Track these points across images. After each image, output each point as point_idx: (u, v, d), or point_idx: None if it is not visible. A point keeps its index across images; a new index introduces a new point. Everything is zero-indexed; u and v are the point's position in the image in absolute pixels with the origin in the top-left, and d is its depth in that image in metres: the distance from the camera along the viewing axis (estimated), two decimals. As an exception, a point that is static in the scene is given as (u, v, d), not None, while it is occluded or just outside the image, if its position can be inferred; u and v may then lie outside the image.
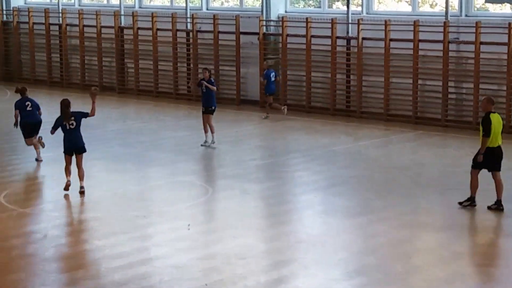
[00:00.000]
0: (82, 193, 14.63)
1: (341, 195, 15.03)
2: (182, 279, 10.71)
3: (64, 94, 27.87)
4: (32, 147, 17.51)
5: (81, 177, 14.74)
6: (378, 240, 12.36)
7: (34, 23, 30.40)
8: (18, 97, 17.84)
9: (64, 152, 14.92)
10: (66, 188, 14.74)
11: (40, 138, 17.50)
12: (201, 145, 19.24)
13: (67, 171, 14.80)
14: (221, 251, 11.85)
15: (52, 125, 15.09)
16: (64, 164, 14.93)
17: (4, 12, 31.52)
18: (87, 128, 21.35)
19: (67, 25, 29.63)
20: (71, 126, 14.83)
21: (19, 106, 17.48)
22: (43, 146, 17.50)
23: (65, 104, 14.93)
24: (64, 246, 12.13)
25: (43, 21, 30.03)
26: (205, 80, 19.38)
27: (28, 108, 17.47)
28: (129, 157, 18.27)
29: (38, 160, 17.40)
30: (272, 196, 15.09)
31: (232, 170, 16.89)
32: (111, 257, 11.51)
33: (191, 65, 26.61)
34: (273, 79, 23.17)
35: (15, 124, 17.42)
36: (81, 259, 11.52)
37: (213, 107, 19.45)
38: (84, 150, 14.94)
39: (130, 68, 28.37)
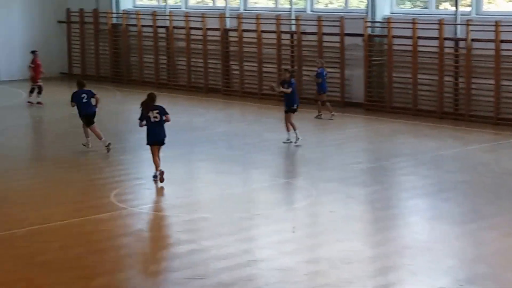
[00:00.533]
0: (161, 175, 15.54)
1: (449, 201, 14.73)
2: (287, 282, 10.71)
3: (171, 95, 28.38)
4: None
5: (157, 166, 15.67)
6: (489, 248, 12.06)
7: (142, 26, 31.03)
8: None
9: (148, 143, 15.73)
10: (161, 178, 15.53)
11: (109, 144, 18.70)
12: (283, 143, 19.44)
13: (155, 162, 15.65)
14: (326, 255, 11.79)
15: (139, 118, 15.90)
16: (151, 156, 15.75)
17: (114, 15, 32.28)
18: (194, 129, 21.83)
19: (174, 27, 30.11)
20: (155, 119, 15.62)
21: (76, 98, 18.68)
22: (100, 138, 18.68)
23: (151, 98, 15.81)
24: (171, 245, 12.30)
25: (151, 24, 30.62)
26: (286, 81, 19.66)
27: (84, 100, 18.64)
28: (234, 158, 18.41)
29: (85, 144, 18.73)
30: (378, 200, 14.93)
31: (336, 173, 16.79)
32: (217, 258, 11.60)
33: (295, 67, 26.62)
34: (325, 77, 23.51)
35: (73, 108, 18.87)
36: (188, 259, 11.65)
37: (294, 106, 19.70)
38: (164, 143, 15.79)
39: (234, 70, 28.61)
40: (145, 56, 31.19)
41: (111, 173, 16.97)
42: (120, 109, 25.17)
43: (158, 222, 13.55)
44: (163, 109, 15.85)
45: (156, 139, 15.70)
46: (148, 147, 15.94)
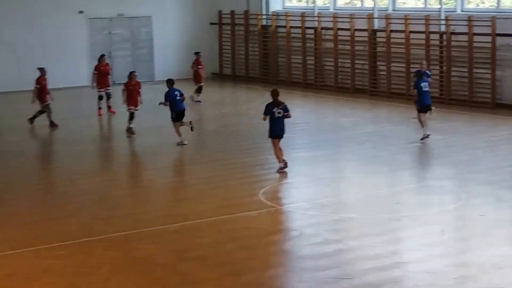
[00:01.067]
0: (284, 168, 16.65)
1: None
2: (436, 286, 10.64)
3: (318, 95, 28.59)
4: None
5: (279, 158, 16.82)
6: None
7: (291, 27, 31.38)
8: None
9: (270, 137, 16.92)
10: (282, 169, 16.62)
11: (191, 121, 19.87)
12: (421, 139, 19.56)
13: (277, 155, 16.82)
14: (476, 260, 11.61)
15: (263, 112, 17.01)
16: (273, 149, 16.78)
17: (264, 16, 32.81)
18: (341, 130, 21.90)
19: (322, 28, 30.28)
20: (279, 115, 16.78)
21: (170, 97, 19.77)
22: (192, 129, 19.89)
23: (276, 93, 17.01)
24: (319, 244, 12.45)
25: (300, 25, 30.92)
26: (421, 71, 20.41)
27: (177, 98, 19.77)
28: (380, 159, 18.36)
29: (181, 143, 19.55)
30: (530, 204, 14.53)
31: (487, 176, 16.44)
32: (364, 258, 11.66)
33: (444, 68, 26.20)
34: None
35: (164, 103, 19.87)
36: (335, 259, 11.76)
37: (428, 104, 19.99)
38: (283, 137, 16.99)
39: (382, 70, 28.46)
40: (293, 57, 31.52)
41: (260, 172, 17.30)
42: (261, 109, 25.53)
43: (305, 221, 13.73)
44: (286, 106, 16.96)
45: (278, 133, 16.91)
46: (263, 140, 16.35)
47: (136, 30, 33.29)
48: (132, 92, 21.03)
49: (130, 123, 21.02)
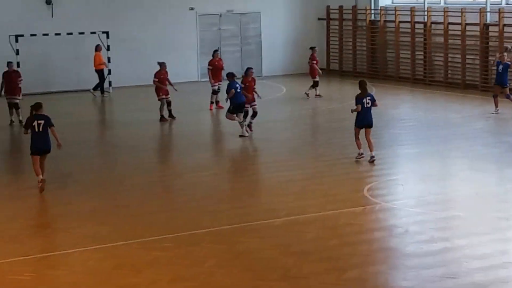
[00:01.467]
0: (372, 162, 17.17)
1: None
2: (546, 287, 10.36)
3: (427, 91, 28.17)
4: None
5: (371, 148, 17.34)
6: None
7: (400, 22, 31.00)
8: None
9: (357, 126, 17.57)
10: (359, 157, 17.45)
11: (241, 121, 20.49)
12: None
13: (358, 143, 17.52)
14: None
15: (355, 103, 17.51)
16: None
17: (372, 11, 32.55)
18: (450, 126, 21.51)
19: (432, 23, 29.79)
20: (368, 105, 17.40)
21: (231, 88, 20.51)
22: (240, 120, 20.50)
23: (364, 83, 17.71)
24: (424, 242, 12.28)
25: (409, 20, 30.51)
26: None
27: (238, 90, 20.46)
28: (490, 157, 17.95)
29: (243, 135, 20.23)
30: None
31: None
32: (471, 257, 11.45)
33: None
34: (500, 70, 22.92)
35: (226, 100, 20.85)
36: (441, 257, 11.59)
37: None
38: (372, 126, 17.60)
39: (493, 66, 27.77)
40: (401, 52, 31.14)
41: (365, 168, 17.20)
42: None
43: (410, 218, 13.57)
44: (373, 96, 17.65)
45: (367, 122, 17.50)
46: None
47: (245, 26, 33.59)
48: (248, 89, 20.99)
49: (250, 120, 20.88)
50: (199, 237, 12.64)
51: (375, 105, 17.63)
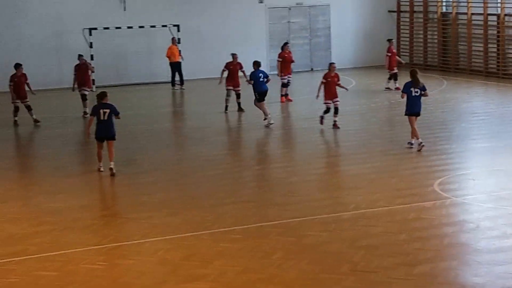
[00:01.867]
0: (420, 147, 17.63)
1: None
2: None
3: (500, 85, 27.69)
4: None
5: (417, 136, 17.76)
6: None
7: (472, 14, 30.51)
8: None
9: (407, 114, 17.92)
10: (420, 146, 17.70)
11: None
12: None
13: (415, 132, 17.83)
14: None
15: (402, 90, 18.12)
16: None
17: (444, 3, 32.11)
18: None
19: (505, 15, 29.24)
20: (416, 93, 17.75)
21: (255, 76, 21.42)
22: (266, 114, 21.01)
23: (415, 72, 18.00)
24: (496, 238, 12.09)
25: (481, 12, 30.01)
26: None
27: (261, 79, 21.32)
28: None
29: (268, 125, 20.65)
30: None
31: None
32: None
33: None
34: None
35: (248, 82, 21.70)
36: (512, 253, 11.42)
37: None
38: (419, 115, 18.01)
39: None
40: (473, 45, 30.67)
41: (435, 162, 17.00)
42: (447, 97, 25.05)
43: (482, 214, 13.37)
44: (424, 86, 17.96)
45: (415, 110, 17.82)
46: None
47: (314, 18, 33.51)
48: (330, 85, 20.49)
49: (334, 118, 20.47)
50: (267, 229, 12.69)
51: (425, 95, 17.97)
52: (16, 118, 22.49)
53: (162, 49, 29.49)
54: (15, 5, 29.19)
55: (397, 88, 26.58)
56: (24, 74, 22.66)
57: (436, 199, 14.16)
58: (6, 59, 27.01)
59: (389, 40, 27.70)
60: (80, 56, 24.08)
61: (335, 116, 20.57)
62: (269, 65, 31.36)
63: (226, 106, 23.29)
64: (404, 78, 28.98)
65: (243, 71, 23.57)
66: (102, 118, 16.17)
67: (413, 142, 17.99)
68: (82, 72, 23.57)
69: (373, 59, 32.30)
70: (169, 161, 18.03)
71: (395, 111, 23.56)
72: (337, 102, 20.61)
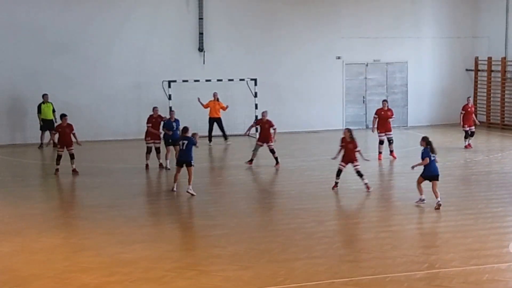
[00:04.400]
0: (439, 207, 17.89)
1: None
2: None
3: None
4: None
5: (436, 196, 18.08)
6: None
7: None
8: None
9: (428, 179, 18.30)
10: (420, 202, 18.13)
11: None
12: None
13: (419, 189, 18.32)
14: None
15: None
16: None
17: (522, 62, 31.88)
18: None
19: None
20: (433, 158, 18.08)
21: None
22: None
23: (428, 138, 18.53)
24: None
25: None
26: None
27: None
28: None
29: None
30: None
31: None
32: None
33: None
34: None
35: None
36: None
37: None
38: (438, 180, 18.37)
39: None
40: None
41: (511, 223, 16.74)
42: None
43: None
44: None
45: (434, 174, 18.25)
46: None
47: (391, 75, 33.58)
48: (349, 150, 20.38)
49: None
50: (338, 286, 12.65)
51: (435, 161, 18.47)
52: (57, 166, 23.11)
53: (238, 101, 29.96)
54: (97, 55, 30.08)
55: (468, 145, 26.46)
56: (70, 125, 23.29)
57: (511, 261, 13.92)
58: (90, 107, 27.88)
59: (467, 98, 27.67)
60: (154, 108, 24.46)
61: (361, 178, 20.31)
62: (345, 121, 31.46)
63: (251, 160, 24.02)
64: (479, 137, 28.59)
65: (274, 129, 24.04)
66: (181, 147, 19.83)
67: (423, 198, 18.40)
68: (157, 125, 23.96)
69: (449, 118, 32.14)
70: (242, 214, 18.13)
71: (470, 170, 23.32)
72: (358, 166, 20.27)
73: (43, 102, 28.54)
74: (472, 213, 17.70)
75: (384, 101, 25.96)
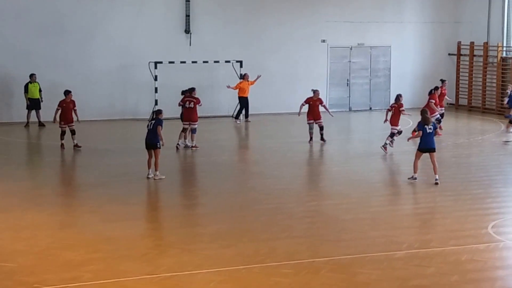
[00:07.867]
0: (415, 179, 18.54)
1: None
2: None
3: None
4: None
5: (435, 171, 18.73)
6: None
7: (533, 59, 30.45)
8: None
9: (420, 149, 18.98)
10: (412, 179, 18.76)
11: None
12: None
13: (415, 165, 18.99)
14: None
15: None
16: None
17: (504, 48, 32.06)
18: None
19: None
20: (429, 130, 18.58)
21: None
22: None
23: (426, 111, 19.08)
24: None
25: (542, 57, 29.92)
26: None
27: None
28: None
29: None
30: None
31: None
32: None
33: None
34: None
35: None
36: None
37: None
38: (434, 151, 19.03)
39: None
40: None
41: (490, 205, 16.99)
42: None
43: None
44: (435, 124, 19.00)
45: (428, 146, 18.70)
46: None
47: (375, 59, 33.76)
48: (395, 113, 23.03)
49: (389, 139, 22.85)
50: (318, 266, 12.81)
51: (438, 134, 19.39)
52: (62, 141, 23.44)
53: (223, 84, 30.03)
54: (84, 36, 30.05)
55: (439, 127, 26.58)
56: (73, 101, 23.66)
57: (489, 241, 14.14)
58: (76, 88, 27.90)
59: (442, 81, 27.79)
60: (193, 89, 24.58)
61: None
62: (328, 103, 31.65)
63: (311, 138, 24.57)
64: (452, 122, 28.82)
65: (324, 106, 24.80)
66: (148, 128, 19.39)
67: (416, 176, 18.86)
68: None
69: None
70: (226, 194, 18.26)
71: (451, 153, 23.55)
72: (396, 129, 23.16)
73: (30, 82, 28.54)
74: (451, 194, 17.92)
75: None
